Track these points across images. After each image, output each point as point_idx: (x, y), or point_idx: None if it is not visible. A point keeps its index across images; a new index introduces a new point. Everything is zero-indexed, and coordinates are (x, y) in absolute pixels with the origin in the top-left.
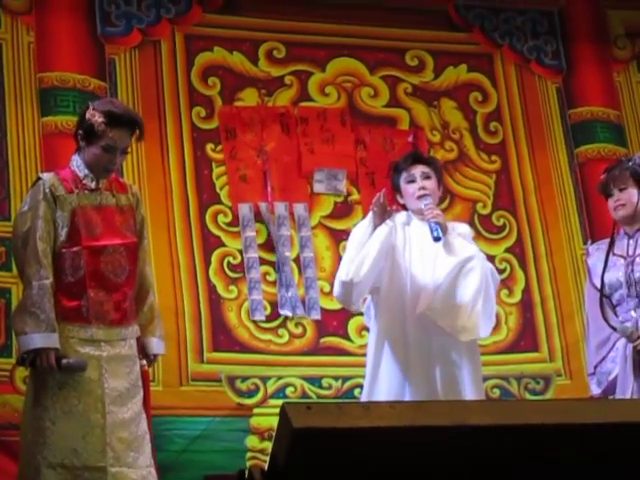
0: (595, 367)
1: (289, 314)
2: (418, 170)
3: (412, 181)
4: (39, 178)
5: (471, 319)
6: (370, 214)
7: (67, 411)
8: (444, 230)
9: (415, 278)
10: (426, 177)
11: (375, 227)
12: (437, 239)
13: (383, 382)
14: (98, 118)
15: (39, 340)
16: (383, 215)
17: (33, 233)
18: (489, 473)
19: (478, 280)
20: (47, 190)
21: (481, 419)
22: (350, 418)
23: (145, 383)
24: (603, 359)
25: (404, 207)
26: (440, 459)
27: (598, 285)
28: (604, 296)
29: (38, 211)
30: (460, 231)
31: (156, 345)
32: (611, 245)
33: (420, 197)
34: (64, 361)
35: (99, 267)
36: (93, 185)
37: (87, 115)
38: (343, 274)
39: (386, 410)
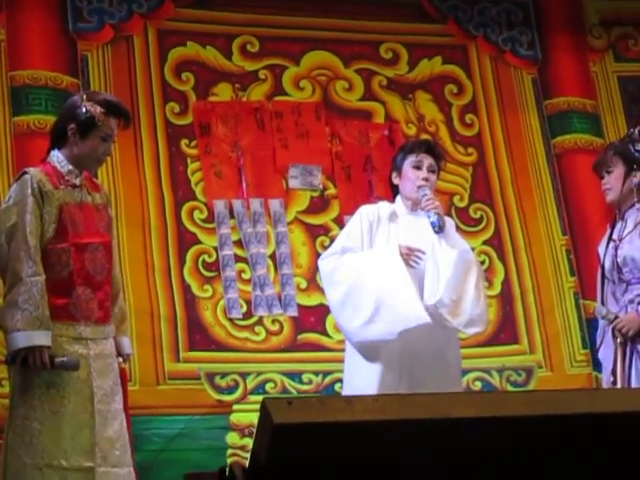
0: (596, 352)
1: (265, 313)
2: (427, 160)
3: (418, 167)
4: (25, 172)
5: (478, 312)
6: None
7: (55, 411)
8: (444, 222)
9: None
10: (432, 170)
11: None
12: (439, 230)
13: (375, 383)
14: (97, 109)
15: (34, 338)
16: None
17: (22, 228)
18: (473, 466)
19: (477, 273)
20: (35, 185)
21: (465, 411)
22: (332, 412)
23: (123, 381)
24: (601, 344)
25: (393, 189)
26: (424, 452)
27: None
28: (604, 281)
29: (26, 206)
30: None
31: (128, 345)
32: (613, 229)
33: (420, 187)
34: (58, 360)
35: (84, 265)
36: (77, 182)
37: (84, 107)
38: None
39: (369, 403)
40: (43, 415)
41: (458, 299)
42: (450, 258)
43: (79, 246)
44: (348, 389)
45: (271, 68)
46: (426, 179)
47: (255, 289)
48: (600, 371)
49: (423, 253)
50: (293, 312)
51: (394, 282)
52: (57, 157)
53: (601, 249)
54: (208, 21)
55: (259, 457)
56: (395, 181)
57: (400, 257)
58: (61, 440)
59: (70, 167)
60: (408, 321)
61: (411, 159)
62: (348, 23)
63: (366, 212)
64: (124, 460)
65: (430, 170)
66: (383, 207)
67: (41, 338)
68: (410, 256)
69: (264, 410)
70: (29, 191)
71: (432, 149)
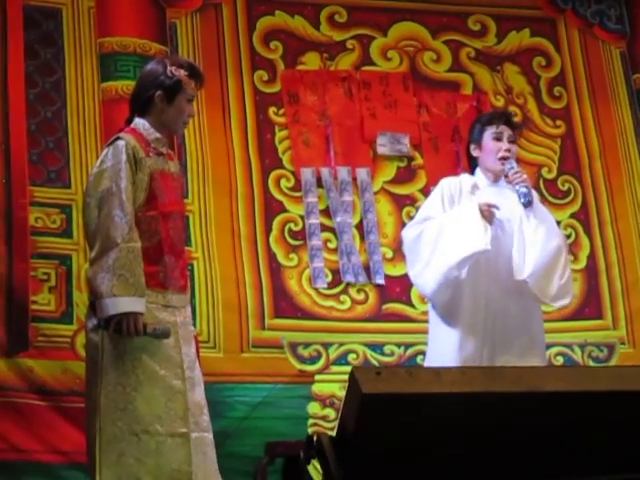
0: None
1: (352, 280)
2: (507, 132)
3: (498, 139)
4: (119, 137)
5: (564, 285)
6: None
7: (149, 377)
8: (532, 195)
9: (498, 245)
10: (512, 141)
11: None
12: (528, 204)
13: (457, 348)
14: (181, 72)
15: (129, 304)
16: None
17: (117, 194)
18: (560, 438)
19: (563, 246)
20: (130, 152)
21: (554, 385)
22: (420, 383)
23: (196, 348)
24: None
25: (470, 162)
26: (510, 425)
27: None
28: None
29: (121, 172)
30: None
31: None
32: None
33: (503, 159)
34: (151, 327)
35: (169, 233)
36: (164, 150)
37: (170, 72)
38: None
39: (457, 376)
40: (137, 381)
41: (546, 274)
42: (539, 233)
43: (165, 214)
44: (431, 355)
45: (359, 38)
46: (509, 150)
47: (342, 257)
48: None
49: (497, 209)
50: (380, 280)
51: (464, 225)
52: (143, 125)
53: None
54: None
55: (346, 426)
56: (474, 153)
57: (479, 211)
58: (155, 406)
59: (157, 135)
60: (466, 249)
61: (491, 130)
62: None
63: (447, 184)
64: (210, 425)
65: (510, 141)
66: (465, 179)
67: (137, 305)
68: (486, 211)
69: (353, 380)
70: (124, 157)
71: (510, 120)
